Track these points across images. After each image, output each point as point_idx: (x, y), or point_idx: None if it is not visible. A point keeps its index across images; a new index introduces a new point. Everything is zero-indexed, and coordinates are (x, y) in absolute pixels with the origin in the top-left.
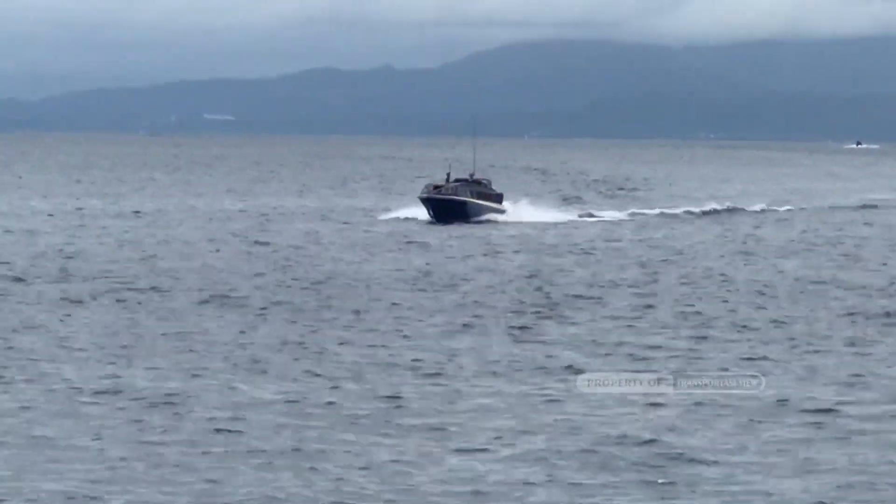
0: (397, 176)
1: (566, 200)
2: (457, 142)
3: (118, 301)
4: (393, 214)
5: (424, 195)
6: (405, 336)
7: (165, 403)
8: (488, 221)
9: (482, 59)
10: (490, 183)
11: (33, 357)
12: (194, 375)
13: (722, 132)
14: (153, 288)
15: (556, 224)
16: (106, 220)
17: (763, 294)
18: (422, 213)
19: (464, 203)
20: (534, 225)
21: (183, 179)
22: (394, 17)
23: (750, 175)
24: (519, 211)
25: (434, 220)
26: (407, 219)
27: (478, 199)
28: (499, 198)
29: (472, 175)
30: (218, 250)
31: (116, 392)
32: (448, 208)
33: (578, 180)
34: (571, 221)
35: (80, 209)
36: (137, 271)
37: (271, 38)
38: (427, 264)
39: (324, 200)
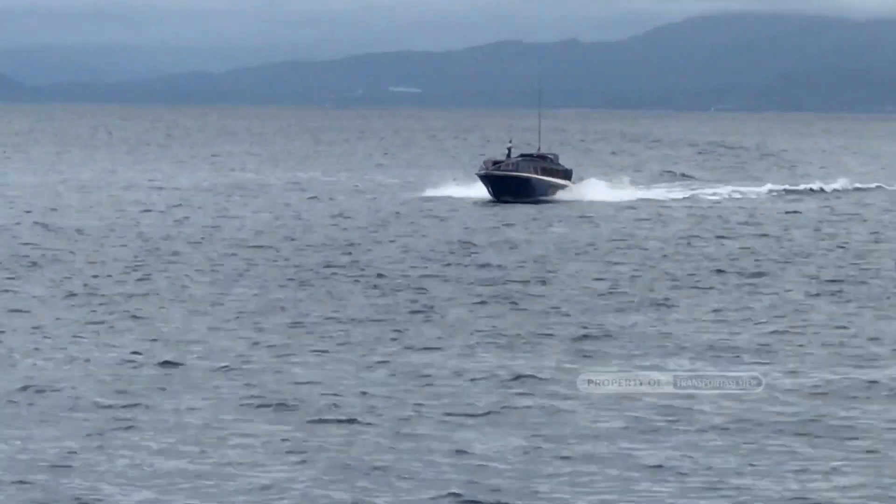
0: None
1: (656, 177)
2: (639, 115)
3: None
4: (440, 192)
5: (483, 172)
6: None
7: None
8: (553, 201)
9: (669, 32)
10: (557, 158)
11: None
12: None
13: None
14: None
15: (622, 203)
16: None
17: None
18: (478, 190)
19: (527, 180)
20: (602, 204)
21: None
22: None
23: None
24: (588, 189)
25: (494, 199)
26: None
27: (542, 175)
28: (566, 174)
29: (538, 149)
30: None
31: None
32: (509, 186)
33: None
34: (637, 201)
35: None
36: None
37: (457, 11)
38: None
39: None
